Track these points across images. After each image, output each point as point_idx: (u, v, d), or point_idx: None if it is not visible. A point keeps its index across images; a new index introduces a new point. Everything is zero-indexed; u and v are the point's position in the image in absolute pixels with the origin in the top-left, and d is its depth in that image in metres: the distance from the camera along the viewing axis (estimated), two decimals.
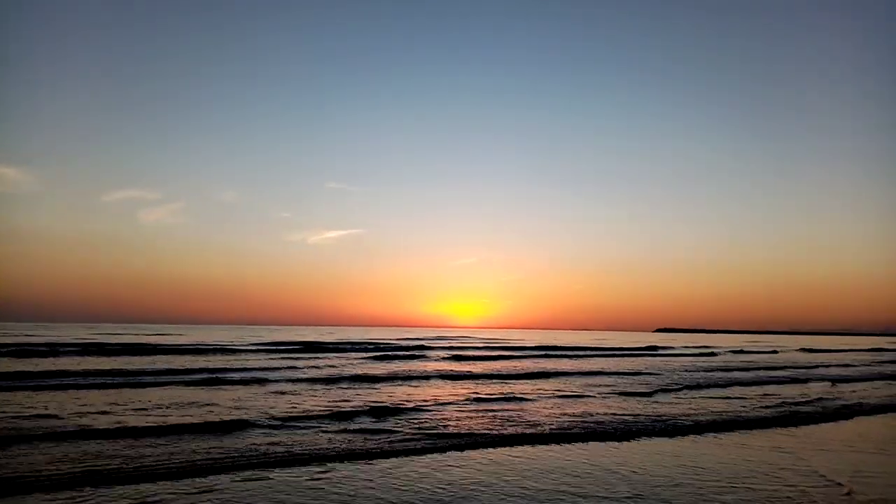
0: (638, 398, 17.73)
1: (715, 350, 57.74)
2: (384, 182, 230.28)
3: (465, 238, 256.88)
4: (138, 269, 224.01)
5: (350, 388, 19.22)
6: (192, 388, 18.52)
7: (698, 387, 21.38)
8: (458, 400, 16.43)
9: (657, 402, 16.96)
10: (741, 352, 55.90)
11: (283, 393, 17.45)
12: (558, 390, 19.38)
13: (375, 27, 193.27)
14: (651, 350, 55.08)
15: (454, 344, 60.03)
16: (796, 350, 65.20)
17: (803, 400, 17.94)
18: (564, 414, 14.21)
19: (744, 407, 16.09)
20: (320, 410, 13.99)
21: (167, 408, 14.00)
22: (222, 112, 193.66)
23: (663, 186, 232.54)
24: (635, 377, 24.90)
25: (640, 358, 41.63)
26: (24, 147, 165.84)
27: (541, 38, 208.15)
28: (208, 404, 14.74)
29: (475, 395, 17.48)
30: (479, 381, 22.33)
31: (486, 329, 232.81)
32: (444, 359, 35.67)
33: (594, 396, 17.90)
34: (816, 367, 35.41)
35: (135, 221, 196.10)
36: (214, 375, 21.82)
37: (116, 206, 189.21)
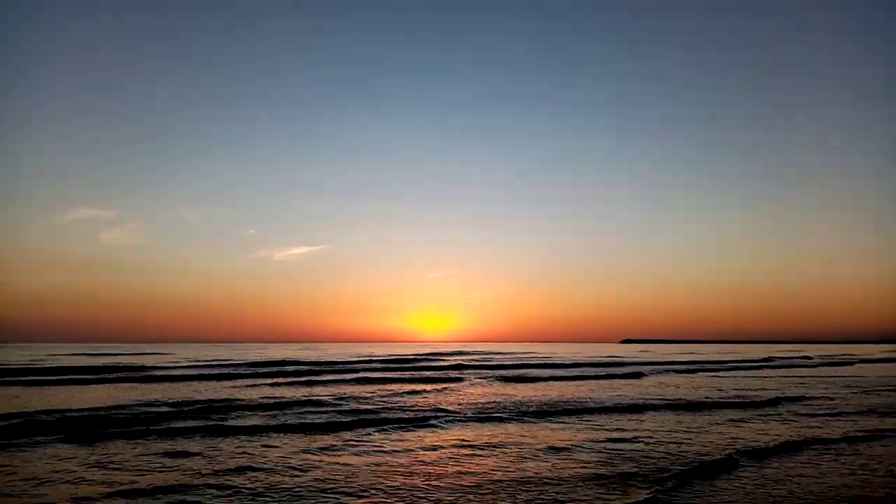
0: None
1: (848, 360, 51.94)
2: (348, 197, 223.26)
3: (432, 253, 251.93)
4: (100, 288, 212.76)
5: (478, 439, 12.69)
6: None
7: None
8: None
9: None
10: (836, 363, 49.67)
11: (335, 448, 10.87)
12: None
13: (338, 43, 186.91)
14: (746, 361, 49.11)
15: (476, 361, 53.23)
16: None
17: None
18: None
19: None
20: None
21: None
22: (180, 127, 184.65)
23: (629, 199, 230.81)
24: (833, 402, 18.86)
25: (754, 371, 35.31)
26: None
27: (511, 63, 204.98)
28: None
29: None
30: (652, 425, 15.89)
31: (458, 342, 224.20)
32: (489, 379, 29.06)
33: None
34: None
35: (95, 242, 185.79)
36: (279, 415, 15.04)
37: (75, 226, 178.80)
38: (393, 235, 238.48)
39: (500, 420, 14.39)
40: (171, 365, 39.26)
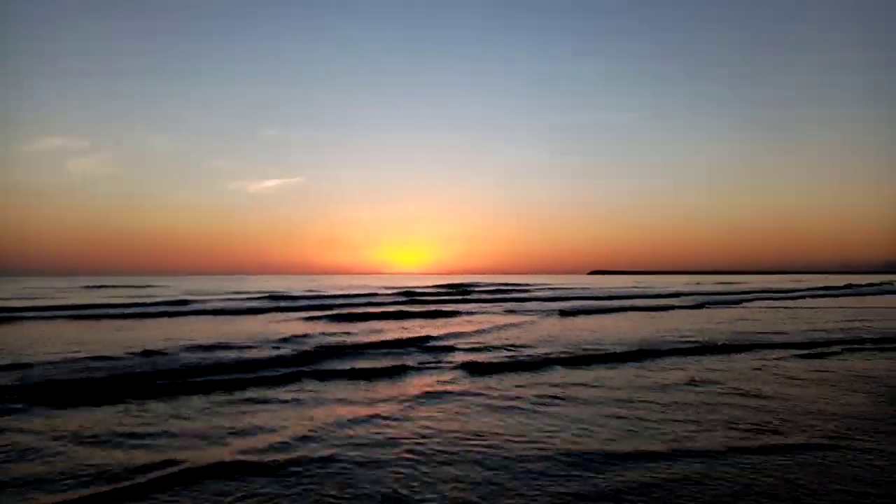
0: None
1: None
2: (321, 130, 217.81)
3: (403, 186, 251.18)
4: (69, 220, 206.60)
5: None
6: None
7: None
8: None
9: None
10: None
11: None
12: None
13: None
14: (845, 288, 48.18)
15: (505, 294, 51.91)
16: None
17: None
18: None
19: None
20: None
21: None
22: (147, 55, 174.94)
23: (598, 135, 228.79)
24: None
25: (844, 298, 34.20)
26: None
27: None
28: None
29: None
30: None
31: (441, 275, 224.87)
32: (546, 312, 27.61)
33: None
34: None
35: (62, 172, 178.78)
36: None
37: (41, 155, 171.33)
38: (368, 168, 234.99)
39: (657, 355, 12.78)
40: (199, 299, 37.04)
